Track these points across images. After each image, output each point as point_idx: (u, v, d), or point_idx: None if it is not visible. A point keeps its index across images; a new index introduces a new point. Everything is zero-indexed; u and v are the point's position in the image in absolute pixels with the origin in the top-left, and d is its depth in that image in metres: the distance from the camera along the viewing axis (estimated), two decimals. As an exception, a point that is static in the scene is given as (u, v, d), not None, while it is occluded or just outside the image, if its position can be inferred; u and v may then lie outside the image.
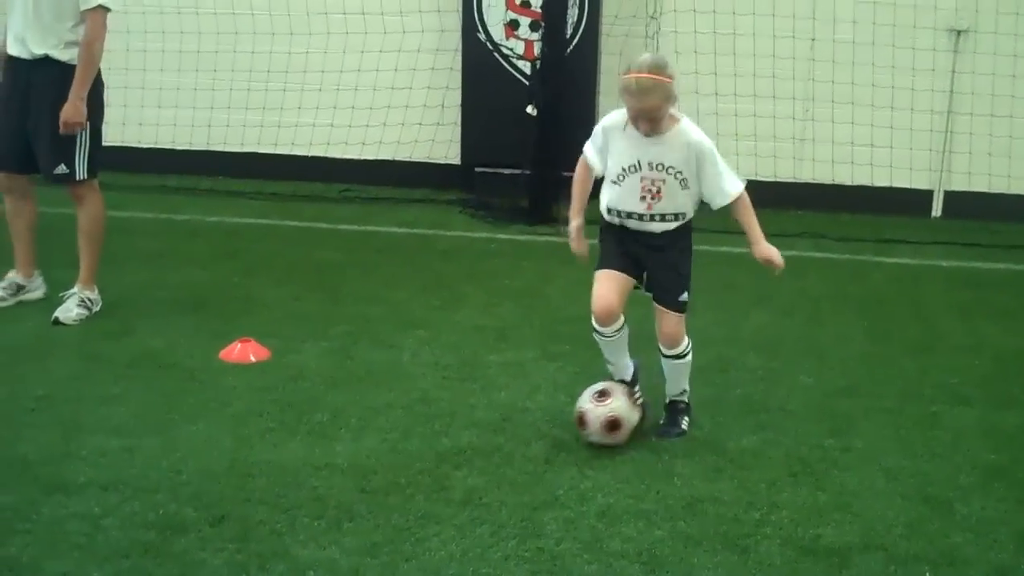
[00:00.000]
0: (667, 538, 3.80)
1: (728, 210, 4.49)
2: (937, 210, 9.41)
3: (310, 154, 9.84)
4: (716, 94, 9.07)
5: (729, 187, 4.43)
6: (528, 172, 8.86)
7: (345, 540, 3.72)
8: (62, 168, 5.90)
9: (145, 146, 9.97)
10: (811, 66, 9.13)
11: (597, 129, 4.50)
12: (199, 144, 9.96)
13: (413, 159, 9.70)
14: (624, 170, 4.38)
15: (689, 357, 4.63)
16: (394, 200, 9.37)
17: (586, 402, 4.48)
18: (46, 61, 5.79)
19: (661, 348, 4.60)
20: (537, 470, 4.29)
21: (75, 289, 6.08)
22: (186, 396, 4.98)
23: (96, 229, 6.15)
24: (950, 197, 9.35)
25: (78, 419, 4.67)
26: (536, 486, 4.15)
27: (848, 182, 9.31)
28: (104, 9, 5.77)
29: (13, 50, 5.87)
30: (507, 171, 9.17)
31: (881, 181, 9.28)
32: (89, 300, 6.06)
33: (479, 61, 9.35)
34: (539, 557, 3.64)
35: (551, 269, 7.14)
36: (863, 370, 5.60)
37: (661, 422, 4.68)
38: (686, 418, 4.69)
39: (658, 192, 4.36)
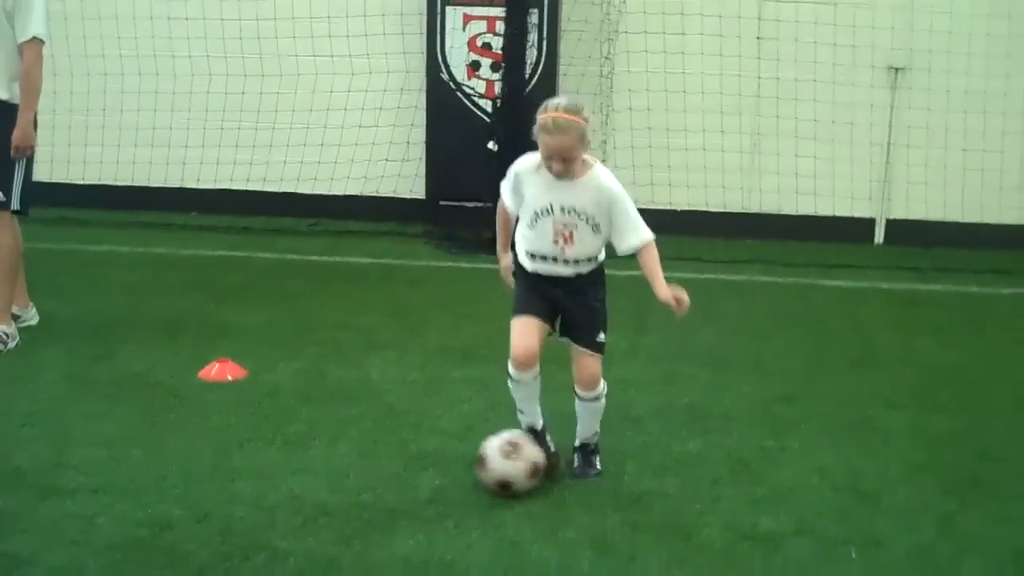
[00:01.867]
0: (617, 527, 4.09)
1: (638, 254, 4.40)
2: (880, 237, 9.80)
3: (280, 190, 10.13)
4: (667, 129, 9.47)
5: (634, 238, 4.33)
6: (490, 204, 9.12)
7: (321, 533, 3.99)
8: None
9: (121, 184, 10.23)
10: (757, 102, 9.54)
11: (510, 172, 4.43)
12: (173, 181, 10.24)
13: (380, 194, 10.01)
14: (536, 213, 4.31)
15: (603, 400, 4.57)
16: (362, 233, 9.66)
17: (500, 465, 4.30)
18: None
19: (578, 391, 4.52)
20: (498, 471, 4.57)
21: None
22: (168, 412, 5.23)
23: (11, 261, 6.20)
24: (891, 225, 9.75)
25: (67, 433, 4.91)
26: (497, 485, 4.44)
27: (794, 212, 9.68)
28: (39, 41, 6.03)
29: None
30: (470, 204, 9.47)
31: (825, 210, 9.69)
32: (4, 334, 6.11)
33: (442, 100, 9.70)
34: (499, 545, 3.92)
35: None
36: (803, 380, 5.93)
37: (575, 465, 4.59)
38: (598, 457, 4.63)
39: (570, 236, 4.29)
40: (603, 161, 8.98)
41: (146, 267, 8.38)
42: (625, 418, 5.22)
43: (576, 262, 4.36)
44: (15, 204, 6.17)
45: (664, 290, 4.31)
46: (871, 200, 9.67)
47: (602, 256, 4.45)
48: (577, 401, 4.55)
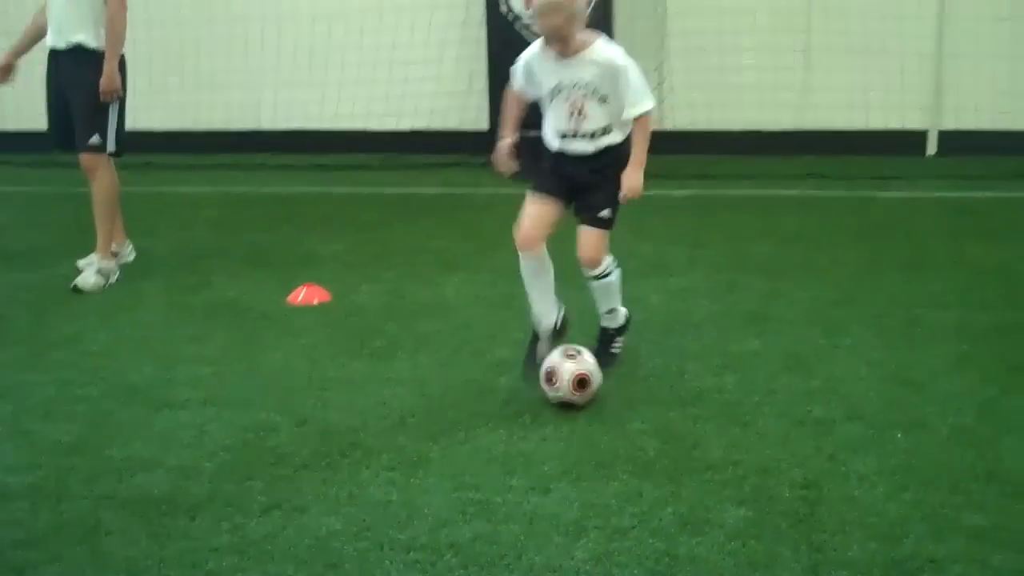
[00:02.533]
0: (680, 419, 4.38)
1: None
2: (932, 148, 9.88)
3: (352, 127, 10.42)
4: (721, 51, 9.58)
5: (633, 105, 4.49)
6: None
7: (409, 432, 4.33)
8: (96, 139, 6.42)
9: (200, 128, 10.59)
10: (808, 20, 9.63)
11: (519, 60, 4.66)
12: (250, 124, 10.58)
13: (446, 127, 10.27)
14: (550, 93, 4.55)
15: (612, 276, 4.73)
16: (430, 165, 9.93)
17: (556, 357, 4.50)
18: (78, 49, 6.34)
19: (584, 270, 4.72)
20: (568, 374, 4.87)
21: (92, 259, 6.55)
22: (262, 333, 5.60)
23: (110, 201, 6.57)
24: (943, 136, 9.82)
25: (173, 354, 5.30)
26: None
27: (847, 127, 9.79)
28: None
29: (51, 41, 6.43)
30: (532, 133, 9.68)
31: (877, 124, 9.75)
32: (105, 269, 6.50)
33: (502, 33, 9.87)
34: (572, 436, 4.23)
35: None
36: (855, 285, 6.15)
37: (596, 350, 4.71)
38: (617, 344, 4.84)
39: (581, 110, 4.50)
40: (660, 84, 9.29)
41: (229, 205, 8.75)
42: (686, 323, 5.50)
43: (592, 135, 4.55)
44: (111, 147, 6.52)
45: (633, 172, 4.52)
46: (922, 111, 9.75)
47: (617, 128, 4.56)
48: (589, 285, 4.76)
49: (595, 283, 4.74)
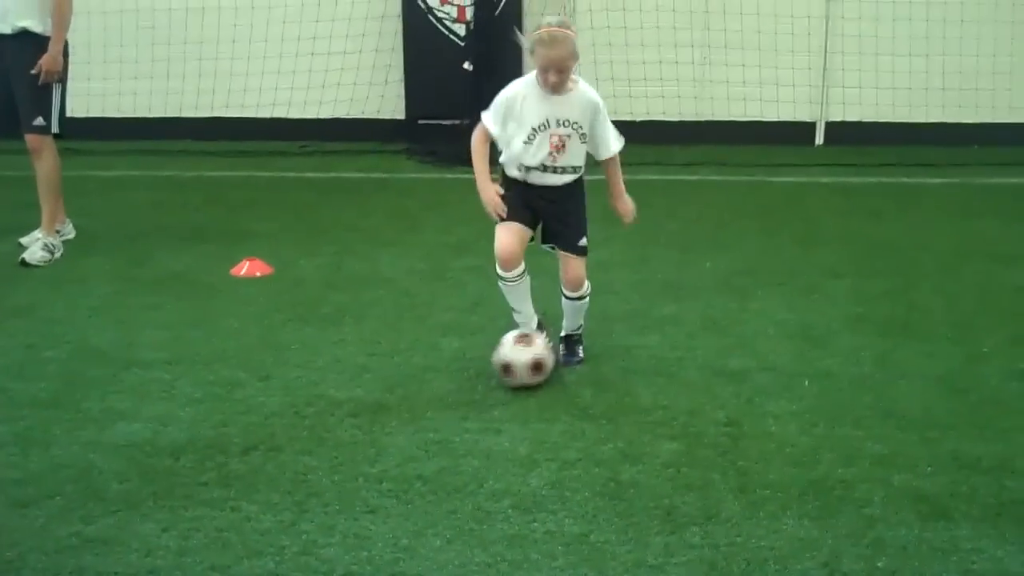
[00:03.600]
0: (611, 371, 4.76)
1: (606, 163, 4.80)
2: (820, 139, 10.45)
3: (271, 115, 10.61)
4: (626, 44, 10.03)
5: (613, 143, 4.73)
6: (467, 121, 9.73)
7: (367, 384, 4.64)
8: (40, 120, 6.59)
9: (121, 116, 10.68)
10: (706, 18, 10.12)
11: (501, 100, 4.64)
12: (172, 111, 10.70)
13: (364, 115, 10.52)
14: (535, 129, 4.56)
15: (587, 300, 4.88)
16: (349, 152, 10.16)
17: (509, 349, 4.59)
18: (24, 34, 6.51)
19: (565, 291, 4.83)
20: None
21: (37, 234, 6.72)
22: (213, 301, 5.84)
23: (54, 179, 6.75)
24: (830, 127, 10.40)
25: (131, 320, 5.52)
26: (507, 345, 5.09)
27: (742, 118, 10.31)
28: None
29: None
30: (447, 122, 10.02)
31: (771, 116, 10.29)
32: (51, 244, 6.67)
33: (418, 26, 10.22)
34: (515, 389, 4.57)
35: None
36: (757, 257, 6.61)
37: (560, 353, 4.87)
38: (581, 347, 4.94)
39: (563, 146, 4.59)
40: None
41: (159, 188, 8.90)
42: (608, 291, 5.86)
43: (564, 170, 4.66)
44: (55, 127, 6.69)
45: (625, 200, 4.83)
46: (811, 104, 10.31)
47: (583, 167, 4.74)
48: (564, 301, 4.88)
49: (573, 303, 4.86)
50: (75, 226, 7.14)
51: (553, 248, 4.86)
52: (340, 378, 4.72)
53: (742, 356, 4.94)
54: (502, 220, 4.72)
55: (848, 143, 10.13)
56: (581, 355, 4.93)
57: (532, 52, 4.54)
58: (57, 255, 6.69)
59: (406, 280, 6.19)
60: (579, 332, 4.97)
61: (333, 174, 9.38)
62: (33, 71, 6.45)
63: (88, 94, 10.38)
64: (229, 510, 3.57)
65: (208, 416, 4.32)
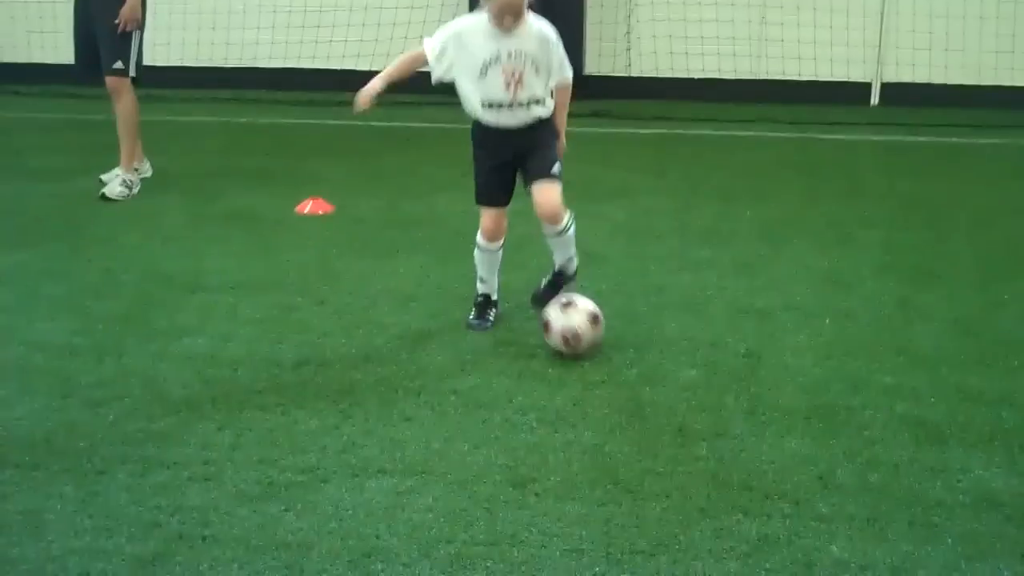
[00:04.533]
0: (642, 306, 4.99)
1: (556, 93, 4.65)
2: (875, 99, 10.52)
3: (342, 67, 10.89)
4: (683, 3, 10.16)
5: (565, 71, 4.61)
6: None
7: (413, 312, 4.92)
8: (119, 64, 6.94)
9: (200, 64, 11.05)
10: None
11: (447, 32, 4.53)
12: (248, 61, 11.05)
13: (426, 70, 10.73)
14: (486, 63, 4.44)
15: (572, 229, 4.71)
16: (414, 104, 10.39)
17: (574, 317, 4.43)
18: None
19: (545, 228, 4.69)
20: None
21: (117, 171, 7.09)
22: (276, 235, 6.16)
23: (132, 120, 7.09)
24: (886, 87, 10.48)
25: (199, 250, 5.85)
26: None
27: (797, 77, 10.40)
28: None
29: None
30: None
31: (826, 75, 10.39)
32: (129, 181, 7.05)
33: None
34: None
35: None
36: (797, 209, 6.77)
37: (543, 285, 4.83)
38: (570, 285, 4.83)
39: (519, 79, 4.46)
40: (627, 33, 9.85)
41: (232, 133, 9.27)
42: (648, 235, 6.09)
43: (527, 104, 4.52)
44: (132, 71, 7.04)
45: (562, 137, 4.72)
46: (866, 64, 10.37)
47: (550, 104, 4.61)
48: (548, 240, 4.76)
49: (558, 239, 4.74)
50: (152, 166, 7.49)
51: (530, 187, 4.67)
52: (389, 305, 5.00)
53: (768, 296, 5.14)
54: (480, 203, 4.78)
55: (903, 103, 10.21)
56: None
57: None
58: (135, 191, 7.04)
59: (457, 220, 6.43)
60: (571, 266, 4.82)
61: (397, 123, 9.65)
62: (116, 21, 6.79)
63: (168, 43, 10.76)
64: (279, 414, 3.88)
65: (265, 334, 4.63)
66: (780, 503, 3.28)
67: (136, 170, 7.25)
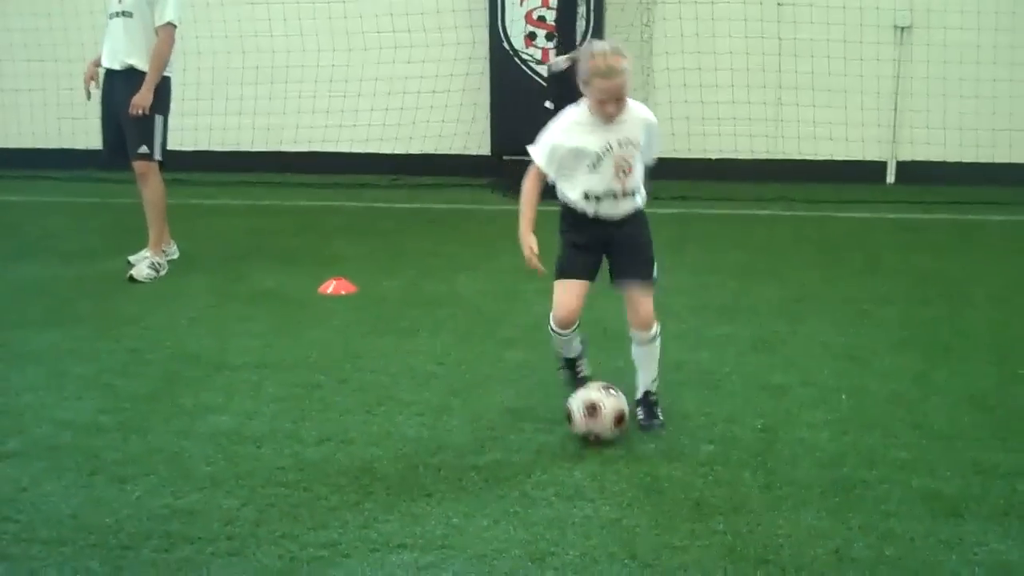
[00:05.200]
0: (661, 383, 4.97)
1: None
2: (891, 177, 10.61)
3: (365, 151, 11.10)
4: (701, 86, 10.32)
5: (655, 152, 4.58)
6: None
7: (434, 388, 4.98)
8: (144, 148, 7.11)
9: (225, 149, 11.27)
10: (779, 60, 10.37)
11: (549, 138, 4.44)
12: (273, 145, 11.26)
13: (451, 151, 10.96)
14: (598, 156, 4.33)
15: (659, 341, 4.58)
16: (436, 185, 10.61)
17: (595, 391, 4.39)
18: (130, 70, 7.05)
19: (636, 334, 4.54)
20: (566, 349, 5.52)
21: (145, 253, 7.23)
22: (300, 315, 6.24)
23: (159, 203, 7.26)
24: (901, 166, 10.56)
25: (225, 330, 5.94)
26: (566, 358, 5.38)
27: (813, 157, 10.51)
28: (172, 25, 7.03)
29: (107, 63, 7.13)
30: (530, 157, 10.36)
31: (841, 155, 10.49)
32: (157, 264, 7.17)
33: (504, 67, 10.63)
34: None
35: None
36: (814, 285, 6.83)
37: (640, 417, 4.53)
38: (660, 408, 4.59)
39: (629, 168, 4.39)
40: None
41: (257, 215, 9.40)
42: (666, 312, 6.08)
43: (631, 194, 4.44)
44: (157, 155, 7.19)
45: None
46: (881, 144, 10.48)
47: (644, 193, 4.53)
48: (635, 348, 4.58)
49: (647, 347, 4.55)
50: (179, 248, 7.62)
51: (622, 285, 4.54)
52: (411, 383, 5.06)
53: (786, 373, 5.18)
54: (561, 275, 4.58)
55: (918, 181, 10.27)
56: (661, 417, 4.55)
57: (587, 84, 4.26)
58: (162, 272, 7.17)
59: (479, 300, 6.54)
60: (656, 387, 4.60)
61: (419, 205, 9.80)
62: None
63: (196, 128, 10.98)
64: (302, 490, 3.93)
65: (289, 412, 4.70)
66: (796, 577, 3.30)
67: (164, 252, 7.38)
